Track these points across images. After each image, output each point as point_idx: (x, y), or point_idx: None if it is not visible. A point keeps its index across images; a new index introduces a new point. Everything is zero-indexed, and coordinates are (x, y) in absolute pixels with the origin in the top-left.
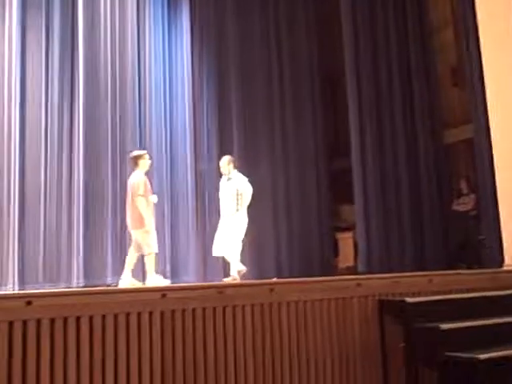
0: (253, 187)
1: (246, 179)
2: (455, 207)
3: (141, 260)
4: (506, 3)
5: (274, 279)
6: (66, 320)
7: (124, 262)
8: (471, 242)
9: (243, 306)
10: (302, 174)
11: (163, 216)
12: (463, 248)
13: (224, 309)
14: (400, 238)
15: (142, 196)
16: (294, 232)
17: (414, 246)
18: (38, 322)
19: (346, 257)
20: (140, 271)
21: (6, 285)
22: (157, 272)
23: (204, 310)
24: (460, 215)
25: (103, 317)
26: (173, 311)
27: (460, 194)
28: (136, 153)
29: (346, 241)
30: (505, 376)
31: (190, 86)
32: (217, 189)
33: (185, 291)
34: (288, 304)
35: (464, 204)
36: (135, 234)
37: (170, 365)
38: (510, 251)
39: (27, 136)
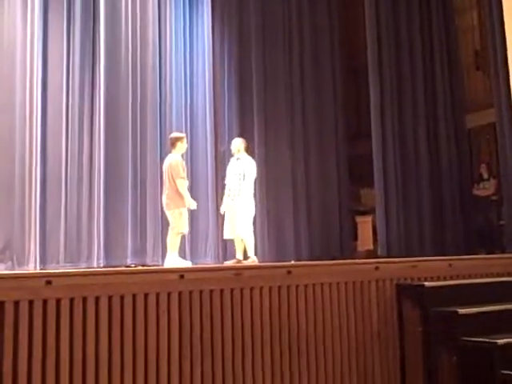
0: (273, 170)
1: (253, 161)
2: (476, 192)
3: (183, 238)
4: None
5: (292, 262)
6: (85, 300)
7: (144, 242)
8: (491, 227)
9: (261, 288)
10: (322, 158)
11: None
12: (483, 233)
13: (241, 291)
14: (420, 222)
15: (182, 178)
16: (313, 215)
17: (433, 231)
18: (58, 301)
19: (365, 240)
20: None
21: (27, 264)
22: (179, 253)
23: (222, 291)
24: (480, 200)
25: (122, 297)
26: (191, 292)
27: (481, 179)
28: (175, 134)
29: (365, 224)
30: None
31: (211, 70)
32: None
33: (203, 273)
34: (305, 286)
35: (485, 189)
36: (170, 214)
37: (187, 345)
38: None
39: (49, 119)
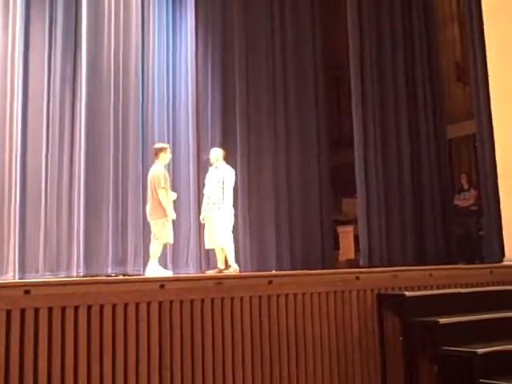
0: (255, 180)
1: (232, 170)
2: (456, 202)
3: (165, 247)
4: None
5: (273, 271)
6: (64, 309)
7: (125, 252)
8: (471, 237)
9: (241, 298)
10: (304, 167)
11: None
12: (463, 243)
13: (222, 300)
14: (401, 232)
15: (163, 188)
16: (294, 225)
17: (414, 241)
18: (36, 310)
19: (347, 250)
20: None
21: (6, 273)
22: (159, 263)
23: (202, 301)
24: (461, 210)
25: (101, 307)
26: (171, 302)
27: (461, 190)
28: (159, 145)
29: (346, 234)
30: (503, 370)
31: (194, 77)
32: None
33: (183, 282)
34: (286, 296)
35: (465, 199)
36: (154, 224)
37: (167, 355)
38: (510, 246)
39: (29, 126)
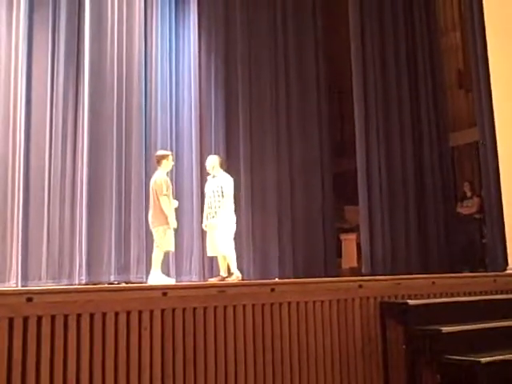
0: (258, 187)
1: (230, 177)
2: (459, 210)
3: (168, 255)
4: None
5: (276, 279)
6: (66, 317)
7: (128, 259)
8: (474, 245)
9: (244, 306)
10: (307, 175)
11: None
12: (466, 251)
13: (225, 308)
14: (404, 240)
15: (165, 195)
16: (297, 233)
17: (418, 248)
18: (39, 318)
19: (350, 258)
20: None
21: (8, 281)
22: (162, 271)
23: (205, 309)
24: (464, 218)
25: (104, 314)
26: (174, 310)
27: (464, 197)
28: (161, 152)
29: (349, 242)
30: (506, 379)
31: (197, 85)
32: None
33: (186, 290)
34: (289, 304)
35: (468, 207)
36: (155, 232)
37: (170, 363)
38: None
39: (32, 132)
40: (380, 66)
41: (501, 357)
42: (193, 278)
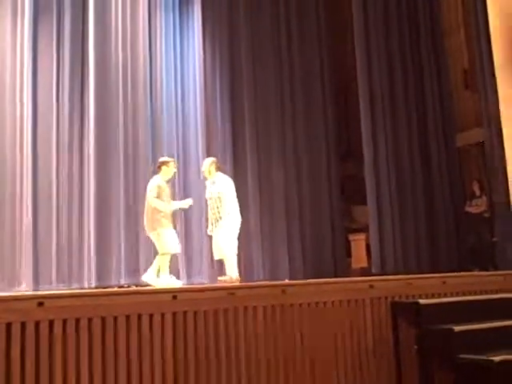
0: (266, 190)
1: (228, 179)
2: (468, 209)
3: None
4: None
5: (286, 280)
6: (78, 321)
7: (137, 262)
8: (484, 244)
9: (255, 308)
10: (314, 176)
11: (176, 217)
12: (476, 250)
13: (235, 310)
14: (414, 240)
15: (155, 197)
16: (306, 233)
17: (427, 248)
18: (51, 322)
19: (359, 258)
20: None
21: (19, 285)
22: (170, 273)
23: (216, 311)
24: (473, 217)
25: (115, 318)
26: (184, 313)
27: (472, 196)
28: (162, 159)
29: (358, 242)
30: None
31: (202, 88)
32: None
33: (196, 293)
34: (300, 305)
35: (477, 206)
36: (151, 236)
37: (182, 366)
38: None
39: (39, 138)
40: (386, 67)
41: None
42: (203, 280)
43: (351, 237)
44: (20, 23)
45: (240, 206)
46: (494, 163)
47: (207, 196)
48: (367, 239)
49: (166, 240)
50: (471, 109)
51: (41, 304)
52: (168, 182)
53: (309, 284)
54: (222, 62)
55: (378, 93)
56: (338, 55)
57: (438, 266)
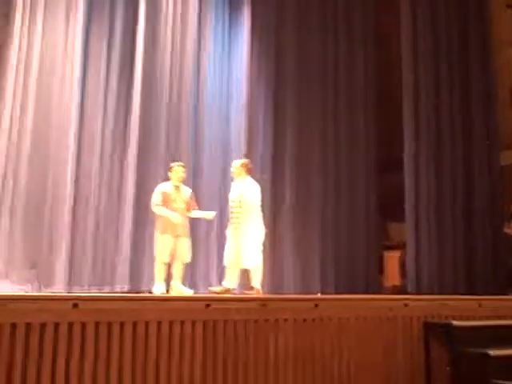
0: (302, 199)
1: (256, 185)
2: (506, 230)
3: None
4: None
5: (318, 294)
6: (110, 325)
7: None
8: None
9: (285, 320)
10: (352, 190)
11: (216, 223)
12: None
13: (266, 322)
14: (450, 260)
15: (157, 205)
16: (340, 248)
17: (464, 268)
18: (84, 325)
19: (392, 276)
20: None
21: (54, 285)
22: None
23: (246, 322)
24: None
25: (146, 324)
26: (215, 322)
27: (511, 217)
28: (171, 164)
29: (392, 259)
30: None
31: (248, 92)
32: (267, 197)
33: (228, 302)
34: (330, 320)
35: None
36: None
37: (210, 375)
38: None
39: (84, 140)
40: (432, 78)
41: None
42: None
43: (385, 253)
44: (72, 25)
45: (274, 213)
46: None
47: (230, 196)
48: (402, 257)
49: (159, 245)
50: None
51: (75, 306)
52: (178, 187)
53: (342, 299)
54: (267, 63)
55: (423, 106)
56: (383, 62)
57: (475, 288)
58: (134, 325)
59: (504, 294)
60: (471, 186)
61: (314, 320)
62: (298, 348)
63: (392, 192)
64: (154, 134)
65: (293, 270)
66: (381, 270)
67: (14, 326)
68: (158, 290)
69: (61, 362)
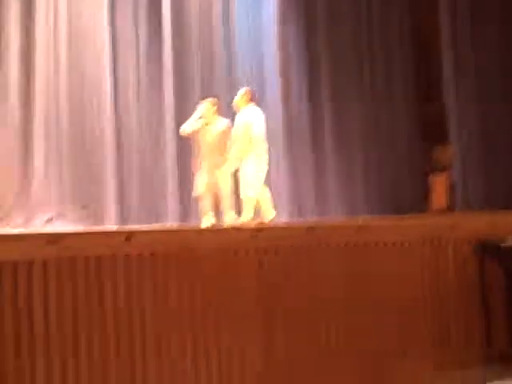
0: (343, 125)
1: (260, 112)
2: None
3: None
4: None
5: (362, 219)
6: (166, 256)
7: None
8: None
9: (332, 245)
10: (394, 115)
11: None
12: None
13: (314, 248)
14: (498, 177)
15: None
16: (384, 172)
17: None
18: (139, 257)
19: (439, 199)
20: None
21: (106, 222)
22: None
23: (293, 247)
24: None
25: (202, 253)
26: (265, 249)
27: None
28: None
29: (439, 183)
30: None
31: (280, 38)
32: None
33: (275, 230)
34: (376, 244)
35: None
36: None
37: (264, 300)
38: None
39: (120, 81)
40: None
41: None
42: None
43: (431, 177)
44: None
45: (316, 142)
46: None
47: (233, 131)
48: (448, 180)
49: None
50: None
51: (128, 239)
52: (207, 124)
53: (389, 224)
54: (298, 10)
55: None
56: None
57: None
58: (190, 254)
59: None
60: None
61: (358, 245)
62: (344, 274)
63: (436, 115)
64: (188, 75)
65: (338, 195)
66: (428, 193)
67: (73, 259)
68: (206, 222)
69: (121, 291)
